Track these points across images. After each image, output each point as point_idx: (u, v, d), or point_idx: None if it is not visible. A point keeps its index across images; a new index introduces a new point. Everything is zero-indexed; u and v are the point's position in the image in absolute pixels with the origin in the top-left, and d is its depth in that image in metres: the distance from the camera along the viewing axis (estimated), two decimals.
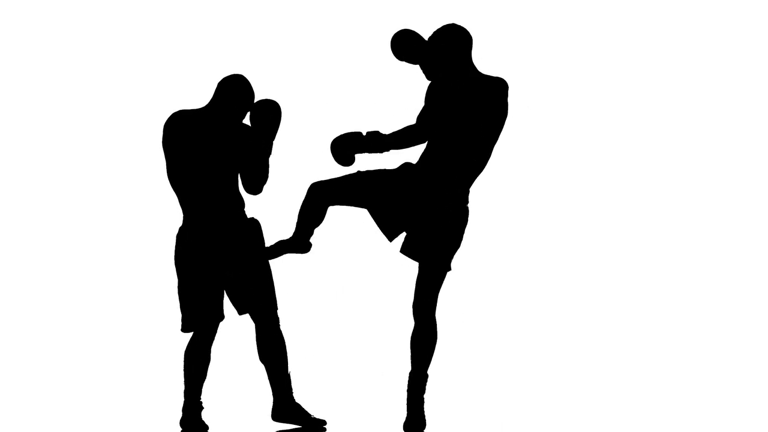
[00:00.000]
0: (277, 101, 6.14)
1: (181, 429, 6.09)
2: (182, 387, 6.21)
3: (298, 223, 6.03)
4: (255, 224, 6.12)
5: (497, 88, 5.78)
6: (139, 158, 8.38)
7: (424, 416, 5.92)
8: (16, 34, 8.57)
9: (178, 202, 6.13)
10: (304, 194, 6.02)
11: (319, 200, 5.96)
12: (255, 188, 6.15)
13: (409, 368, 5.99)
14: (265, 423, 6.28)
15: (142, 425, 6.35)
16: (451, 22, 5.92)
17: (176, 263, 6.06)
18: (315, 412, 6.38)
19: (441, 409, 6.56)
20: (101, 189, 8.54)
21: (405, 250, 5.95)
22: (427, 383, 5.96)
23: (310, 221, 6.00)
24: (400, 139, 5.96)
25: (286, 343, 6.14)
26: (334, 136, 6.05)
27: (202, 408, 6.12)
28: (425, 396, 5.97)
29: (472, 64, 5.89)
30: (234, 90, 6.05)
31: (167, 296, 7.59)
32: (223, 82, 6.08)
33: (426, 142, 5.96)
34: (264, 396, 6.83)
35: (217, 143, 6.00)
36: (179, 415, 6.35)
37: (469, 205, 5.98)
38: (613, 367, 7.80)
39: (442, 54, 5.84)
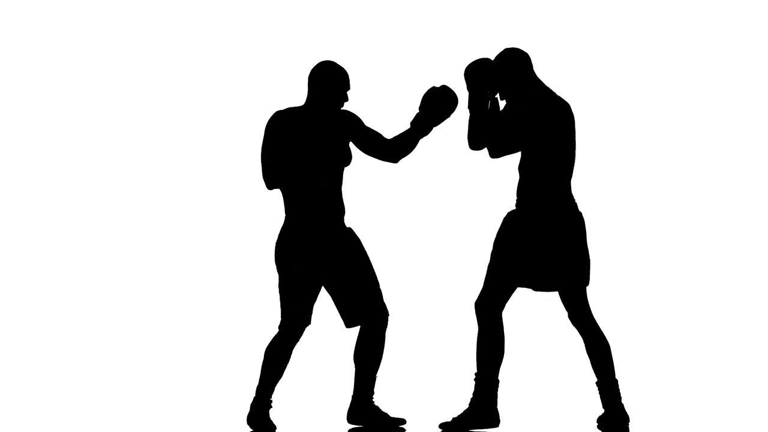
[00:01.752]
0: (455, 92, 6.02)
1: (249, 427, 6.06)
2: (255, 383, 6.28)
3: (479, 368, 5.99)
4: (352, 233, 6.08)
5: (566, 106, 5.95)
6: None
7: (626, 413, 6.00)
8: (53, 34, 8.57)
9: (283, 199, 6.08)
10: (477, 323, 5.98)
11: (492, 315, 5.96)
12: (394, 157, 6.07)
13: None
14: (335, 423, 6.29)
15: (209, 422, 6.33)
16: (507, 47, 6.02)
17: (279, 261, 6.00)
18: (391, 411, 6.44)
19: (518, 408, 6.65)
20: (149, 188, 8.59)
21: (540, 287, 5.98)
22: (619, 386, 6.04)
23: (494, 355, 5.99)
24: (493, 133, 6.01)
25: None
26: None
27: (271, 407, 6.07)
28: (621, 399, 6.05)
29: (539, 80, 6.02)
30: (328, 77, 5.96)
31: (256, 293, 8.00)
32: (314, 72, 5.97)
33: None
34: (332, 396, 6.90)
35: (320, 141, 5.96)
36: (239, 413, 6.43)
37: (580, 209, 6.07)
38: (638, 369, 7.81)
39: (509, 80, 5.96)
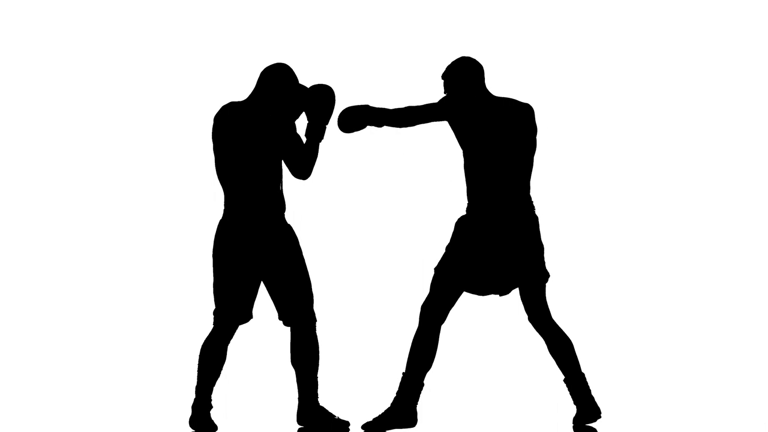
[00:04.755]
0: (330, 86, 6.14)
1: (191, 429, 6.07)
2: (194, 385, 6.26)
3: (408, 368, 6.08)
4: (291, 231, 6.08)
5: (524, 110, 6.05)
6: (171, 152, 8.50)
7: (597, 405, 6.08)
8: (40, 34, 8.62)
9: (223, 194, 6.10)
10: (418, 325, 6.06)
11: (434, 320, 6.03)
12: (303, 173, 6.09)
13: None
14: (282, 426, 6.27)
15: (151, 424, 6.34)
16: (461, 56, 6.15)
17: (214, 254, 6.02)
18: (339, 413, 6.46)
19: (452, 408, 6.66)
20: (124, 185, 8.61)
21: (498, 290, 6.07)
22: (587, 379, 6.19)
23: (424, 359, 6.05)
24: (399, 117, 6.07)
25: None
26: (344, 108, 6.14)
27: (212, 407, 6.09)
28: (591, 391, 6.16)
29: (488, 91, 6.12)
30: (276, 79, 6.03)
31: (182, 294, 8.01)
32: (266, 71, 6.07)
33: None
34: (283, 398, 6.84)
35: (261, 136, 5.97)
36: (188, 414, 6.43)
37: (536, 211, 6.14)
38: (622, 368, 7.82)
39: (457, 87, 6.09)
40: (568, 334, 6.11)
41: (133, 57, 8.57)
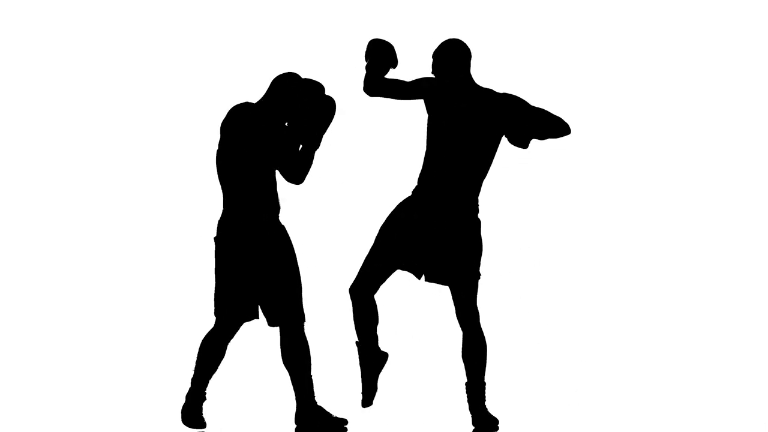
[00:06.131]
0: (332, 98, 6.19)
1: (181, 417, 6.12)
2: (190, 376, 6.26)
3: (360, 337, 6.18)
4: (284, 232, 6.16)
5: (502, 102, 6.03)
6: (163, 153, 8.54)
7: (491, 416, 6.06)
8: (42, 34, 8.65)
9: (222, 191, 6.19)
10: (351, 304, 6.16)
11: (365, 296, 6.10)
12: (297, 178, 6.18)
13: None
14: (280, 426, 6.31)
15: (144, 418, 6.40)
16: (451, 38, 6.18)
17: (216, 254, 6.10)
18: (335, 411, 6.47)
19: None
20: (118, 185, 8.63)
21: (430, 278, 6.10)
22: (485, 389, 6.10)
23: (369, 324, 6.14)
24: (396, 89, 6.11)
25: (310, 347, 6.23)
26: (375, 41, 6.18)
27: (205, 399, 6.16)
28: (486, 401, 6.13)
29: (471, 78, 6.12)
30: (286, 87, 6.12)
31: (177, 291, 8.07)
32: (277, 79, 6.15)
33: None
34: (280, 398, 6.88)
35: (264, 140, 6.06)
36: (179, 406, 6.41)
37: (479, 215, 6.15)
38: (619, 369, 7.84)
39: (442, 68, 6.10)
40: (487, 341, 6.13)
41: (133, 58, 8.63)
